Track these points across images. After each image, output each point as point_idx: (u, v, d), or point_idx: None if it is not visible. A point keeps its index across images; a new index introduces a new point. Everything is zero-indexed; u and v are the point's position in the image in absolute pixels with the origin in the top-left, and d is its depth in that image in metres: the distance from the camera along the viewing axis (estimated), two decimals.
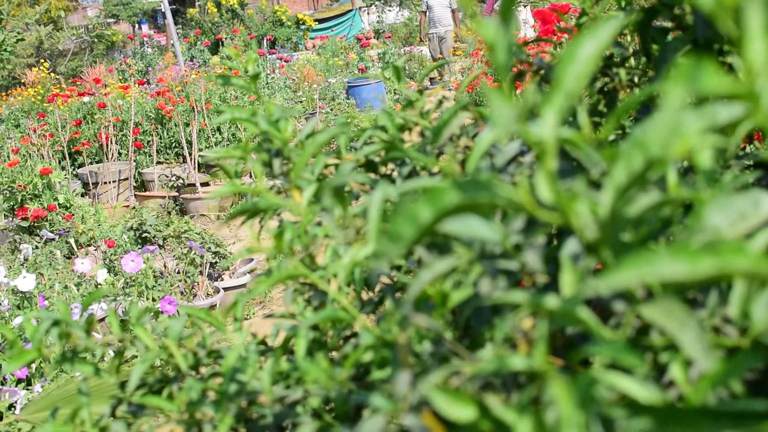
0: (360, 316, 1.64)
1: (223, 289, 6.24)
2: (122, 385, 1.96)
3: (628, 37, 2.21)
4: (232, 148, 2.19)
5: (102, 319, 5.10)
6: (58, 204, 8.37)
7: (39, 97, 15.03)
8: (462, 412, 1.02)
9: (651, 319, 0.95)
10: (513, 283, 1.30)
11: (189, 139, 11.10)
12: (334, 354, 1.93)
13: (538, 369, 0.88)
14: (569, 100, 0.91)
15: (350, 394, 1.15)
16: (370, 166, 2.25)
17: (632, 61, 2.19)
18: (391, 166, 2.27)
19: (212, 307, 5.93)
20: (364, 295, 2.04)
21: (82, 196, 10.48)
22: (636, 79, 2.18)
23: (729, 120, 0.89)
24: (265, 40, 19.47)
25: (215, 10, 20.88)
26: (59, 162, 11.25)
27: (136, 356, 1.88)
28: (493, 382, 1.27)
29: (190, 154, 10.83)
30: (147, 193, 10.57)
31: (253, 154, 2.20)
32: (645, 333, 1.13)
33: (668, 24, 2.05)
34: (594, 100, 2.17)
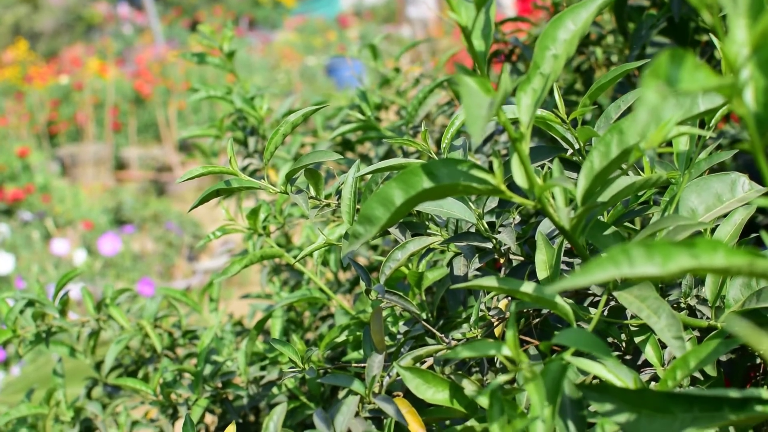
0: (335, 296, 1.64)
1: (203, 270, 6.23)
2: (98, 366, 1.95)
3: (605, 16, 2.21)
4: (207, 126, 2.18)
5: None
6: (37, 185, 8.33)
7: (17, 78, 14.94)
8: (435, 393, 1.02)
9: (626, 303, 0.94)
10: (488, 262, 1.30)
11: (168, 119, 11.06)
12: (311, 335, 1.92)
13: (510, 356, 0.88)
14: (547, 82, 0.91)
15: (326, 375, 1.14)
16: (347, 145, 2.24)
17: (609, 39, 2.18)
18: (369, 145, 2.27)
19: (189, 288, 5.91)
20: (343, 276, 2.04)
21: (61, 177, 10.43)
22: (614, 58, 2.18)
23: (707, 110, 0.89)
24: (244, 20, 19.40)
25: None
26: (38, 143, 11.19)
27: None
28: (469, 361, 1.27)
29: (168, 135, 10.79)
30: (125, 175, 10.53)
31: (228, 132, 2.19)
32: (621, 312, 1.12)
33: (644, 2, 2.05)
34: (571, 78, 2.17)
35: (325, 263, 1.94)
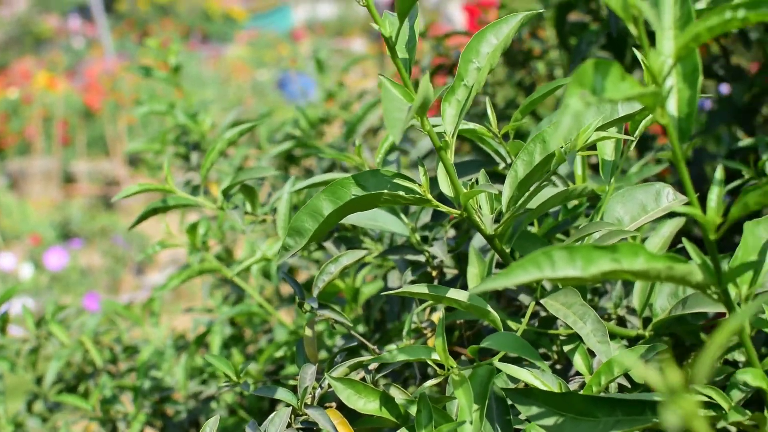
0: (275, 311, 1.64)
1: (150, 285, 6.20)
2: (39, 380, 1.94)
3: (548, 32, 2.23)
4: (150, 141, 2.18)
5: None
6: None
7: None
8: (366, 403, 1.02)
9: (552, 311, 0.95)
10: (424, 276, 1.31)
11: (117, 133, 11.00)
12: (252, 348, 1.92)
13: (439, 361, 0.89)
14: (470, 93, 0.92)
15: (263, 388, 1.15)
16: (291, 159, 2.25)
17: (553, 54, 2.20)
18: (313, 159, 2.27)
19: (132, 302, 5.88)
20: (286, 290, 2.04)
21: (9, 191, 10.34)
22: (558, 72, 2.20)
23: (626, 115, 0.90)
24: (196, 34, 19.32)
25: (146, 7, 20.73)
26: None
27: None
28: (404, 375, 1.28)
29: (117, 149, 10.73)
30: (74, 189, 10.45)
31: (171, 147, 2.19)
32: (552, 323, 1.14)
33: (585, 17, 2.07)
34: (513, 94, 2.18)
35: (268, 277, 1.94)
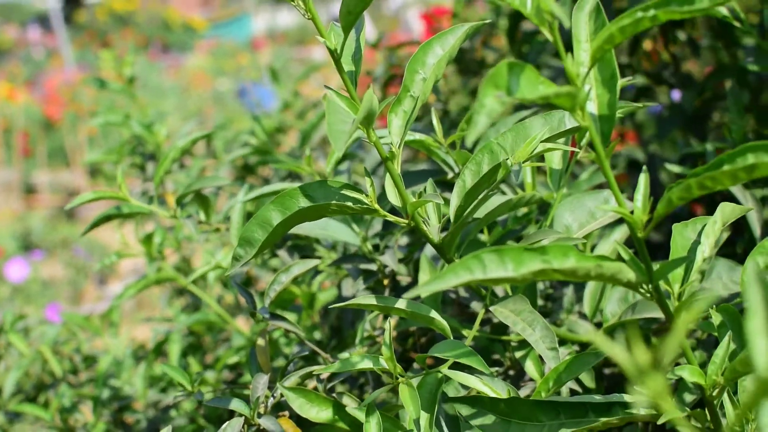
0: (232, 320, 1.65)
1: (112, 295, 6.17)
2: None
3: (502, 41, 2.25)
4: (108, 152, 2.18)
5: None
6: None
7: None
8: (319, 412, 1.03)
9: (502, 318, 0.97)
10: (378, 284, 1.32)
11: (78, 144, 10.94)
12: (211, 358, 1.93)
13: (387, 369, 0.90)
14: (416, 104, 0.93)
15: (217, 399, 1.15)
16: (248, 169, 2.25)
17: None
18: (270, 168, 2.28)
19: (92, 313, 5.85)
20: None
21: None
22: None
23: (574, 128, 0.92)
24: (157, 44, 19.25)
25: (105, 17, 20.63)
26: None
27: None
28: (359, 381, 1.29)
29: (78, 160, 10.68)
30: (35, 200, 10.39)
31: (128, 158, 2.19)
32: (504, 329, 1.15)
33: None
34: (467, 101, 2.20)
35: (226, 286, 1.95)
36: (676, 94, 1.98)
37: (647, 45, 2.05)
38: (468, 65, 2.20)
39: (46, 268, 6.84)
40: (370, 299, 0.94)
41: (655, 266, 0.77)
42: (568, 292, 1.22)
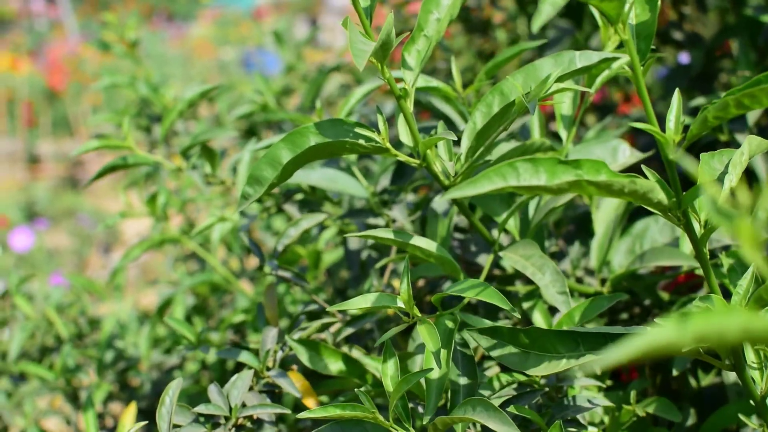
0: (236, 281, 1.63)
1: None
2: (4, 357, 1.93)
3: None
4: (112, 114, 2.16)
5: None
6: None
7: None
8: (328, 365, 1.02)
9: (511, 263, 0.95)
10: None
11: (82, 114, 10.93)
12: (214, 322, 1.92)
13: (404, 309, 0.88)
14: (430, 44, 0.91)
15: (225, 351, 1.14)
16: (252, 132, 2.24)
17: (520, 25, 2.20)
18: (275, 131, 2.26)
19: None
20: (252, 263, 2.03)
21: None
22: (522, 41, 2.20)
23: (584, 67, 0.90)
24: (159, 14, 19.21)
25: None
26: None
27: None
28: (364, 338, 1.27)
29: (82, 130, 10.66)
30: (39, 170, 10.39)
31: (134, 120, 2.17)
32: (510, 282, 1.13)
33: None
34: (472, 61, 2.18)
35: (231, 250, 1.93)
36: (684, 58, 1.96)
37: None
38: (474, 25, 2.18)
39: (51, 237, 6.84)
40: (388, 233, 0.92)
41: None
42: (575, 247, 1.21)
